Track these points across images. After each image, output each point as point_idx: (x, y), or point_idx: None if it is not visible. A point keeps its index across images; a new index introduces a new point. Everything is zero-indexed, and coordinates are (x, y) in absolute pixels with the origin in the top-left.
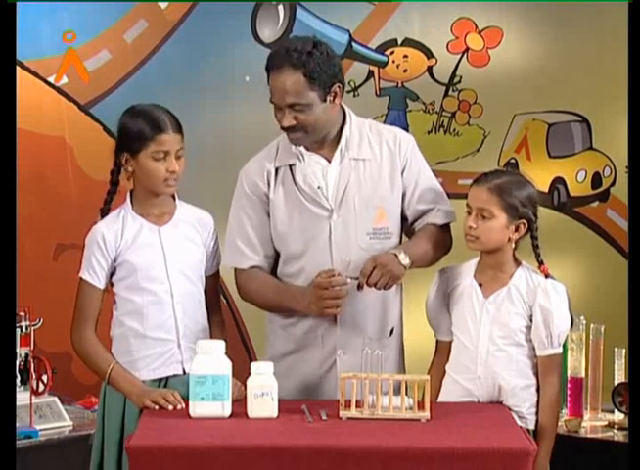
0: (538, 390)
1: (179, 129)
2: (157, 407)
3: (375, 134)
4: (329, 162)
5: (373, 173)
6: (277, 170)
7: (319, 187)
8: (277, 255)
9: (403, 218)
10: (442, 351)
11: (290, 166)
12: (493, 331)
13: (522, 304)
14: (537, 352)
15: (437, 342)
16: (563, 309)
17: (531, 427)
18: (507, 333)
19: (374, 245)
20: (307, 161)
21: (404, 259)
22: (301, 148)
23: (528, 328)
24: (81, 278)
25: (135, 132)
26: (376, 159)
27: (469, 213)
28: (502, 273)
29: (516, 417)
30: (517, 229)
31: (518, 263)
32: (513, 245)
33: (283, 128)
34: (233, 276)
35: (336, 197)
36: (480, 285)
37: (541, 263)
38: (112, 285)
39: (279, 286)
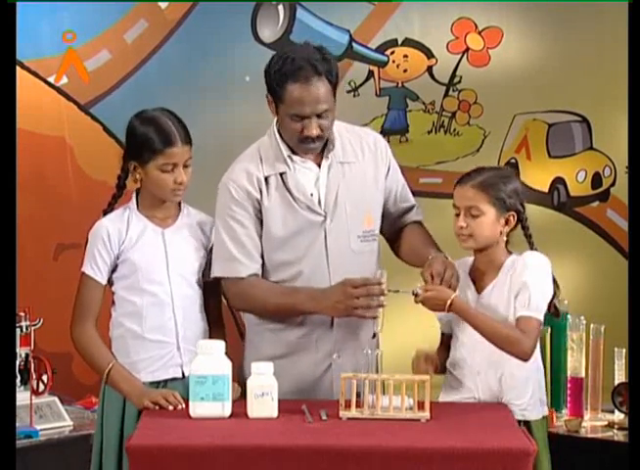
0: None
1: (188, 140)
2: (157, 408)
3: (353, 136)
4: (319, 166)
5: (359, 176)
6: (267, 179)
7: (312, 194)
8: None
9: (382, 218)
10: (444, 341)
11: (280, 175)
12: None
13: (511, 290)
14: (515, 315)
15: (442, 334)
16: (539, 275)
17: (533, 418)
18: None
19: (364, 247)
20: (298, 167)
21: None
22: (291, 154)
23: None
24: (83, 273)
25: (144, 143)
26: (359, 161)
27: (457, 215)
28: (493, 267)
29: (517, 410)
30: (507, 222)
31: (509, 254)
32: (505, 238)
33: (306, 138)
34: None
35: (328, 202)
36: (474, 281)
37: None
38: (110, 284)
39: (288, 289)
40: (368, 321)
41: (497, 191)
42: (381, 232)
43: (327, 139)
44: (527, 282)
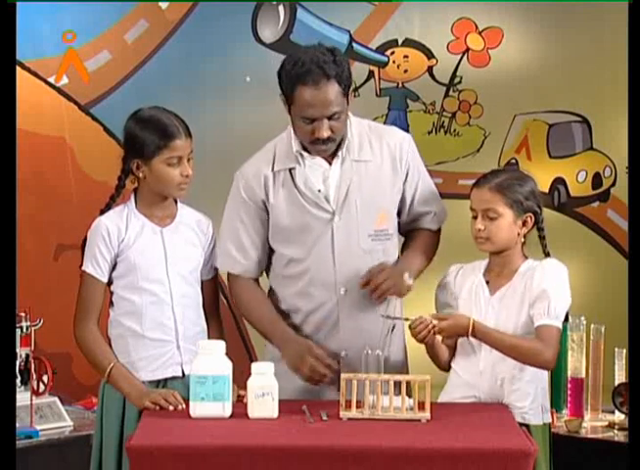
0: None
1: (189, 133)
2: (157, 408)
3: (375, 135)
4: (329, 164)
5: (374, 175)
6: (276, 174)
7: (319, 190)
8: (269, 259)
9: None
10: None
11: (290, 170)
12: (498, 326)
13: (527, 295)
14: (535, 324)
15: None
16: (558, 283)
17: (533, 422)
18: (510, 328)
19: (375, 246)
20: (308, 164)
21: (408, 280)
22: (301, 151)
23: (531, 321)
24: (84, 271)
25: (147, 139)
26: (376, 160)
27: (474, 218)
28: (509, 269)
29: (518, 413)
30: (524, 223)
31: (525, 259)
32: (522, 239)
33: (317, 140)
34: None
35: (338, 200)
36: (488, 282)
37: (547, 255)
38: (109, 283)
39: (273, 316)
40: (375, 316)
41: (514, 193)
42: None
43: (341, 138)
44: (547, 290)
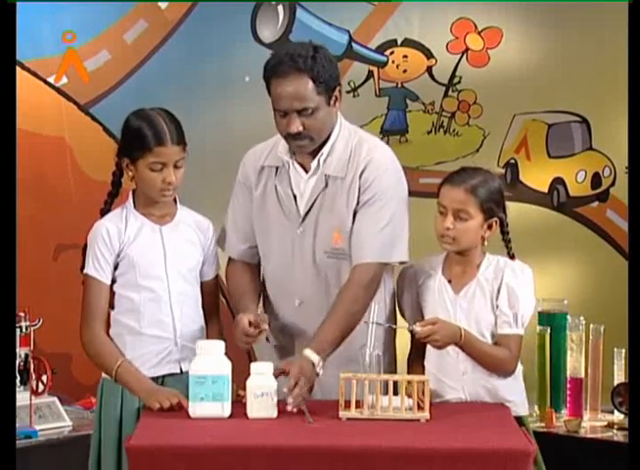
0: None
1: (180, 140)
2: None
3: (357, 150)
4: (307, 172)
5: (339, 193)
6: (265, 168)
7: (295, 197)
8: None
9: None
10: (418, 344)
11: (276, 169)
12: (470, 326)
13: (491, 291)
14: (500, 330)
15: (413, 333)
16: (529, 290)
17: (522, 413)
18: (484, 325)
19: (331, 264)
20: (291, 168)
21: (319, 369)
22: (284, 156)
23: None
24: (87, 275)
25: (135, 140)
26: (347, 177)
27: (441, 213)
28: (470, 267)
29: (512, 406)
30: (490, 227)
31: (483, 254)
32: (486, 242)
33: (289, 135)
34: None
35: (302, 211)
36: (450, 281)
37: (512, 257)
38: (111, 283)
39: (240, 295)
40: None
41: (487, 197)
42: None
43: (322, 145)
44: (518, 296)
